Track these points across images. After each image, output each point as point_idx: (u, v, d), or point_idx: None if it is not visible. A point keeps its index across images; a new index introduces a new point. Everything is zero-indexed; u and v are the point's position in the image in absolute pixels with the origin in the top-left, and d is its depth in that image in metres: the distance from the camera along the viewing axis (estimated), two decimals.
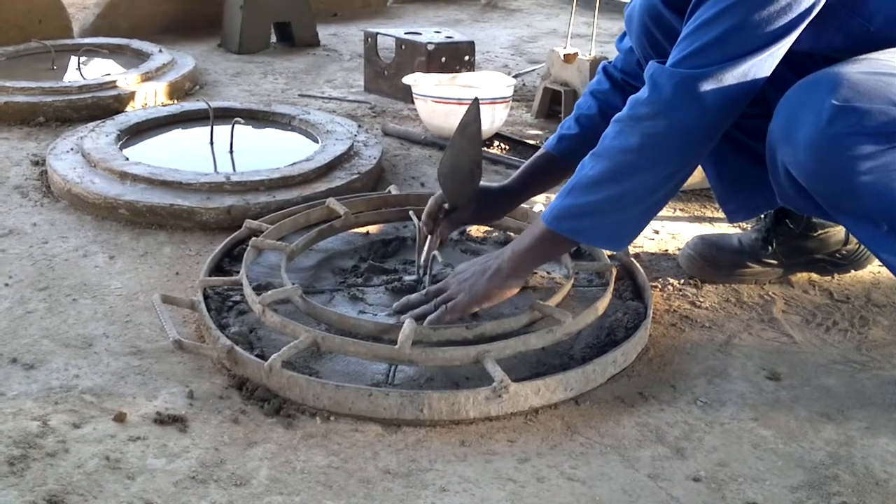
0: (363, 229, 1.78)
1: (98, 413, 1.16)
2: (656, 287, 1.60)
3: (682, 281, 1.63)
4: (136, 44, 3.01)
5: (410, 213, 1.72)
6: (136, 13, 3.41)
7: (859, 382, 1.33)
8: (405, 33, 2.82)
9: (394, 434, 1.16)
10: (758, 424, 1.22)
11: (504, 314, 1.46)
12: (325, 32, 3.65)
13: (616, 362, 1.33)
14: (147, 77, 2.66)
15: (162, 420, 1.14)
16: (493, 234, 1.79)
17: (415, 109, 2.47)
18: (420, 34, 2.81)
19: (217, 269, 1.56)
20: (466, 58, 2.77)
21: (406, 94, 2.65)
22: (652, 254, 1.74)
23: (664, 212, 1.94)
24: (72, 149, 2.06)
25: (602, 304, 1.42)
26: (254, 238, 1.59)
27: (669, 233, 1.84)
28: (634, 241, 1.77)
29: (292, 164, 1.98)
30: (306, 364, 1.29)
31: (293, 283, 1.42)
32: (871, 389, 1.31)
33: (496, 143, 2.38)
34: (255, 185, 1.88)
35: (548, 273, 1.64)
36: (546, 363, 1.34)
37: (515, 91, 2.86)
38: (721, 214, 1.93)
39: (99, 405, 1.18)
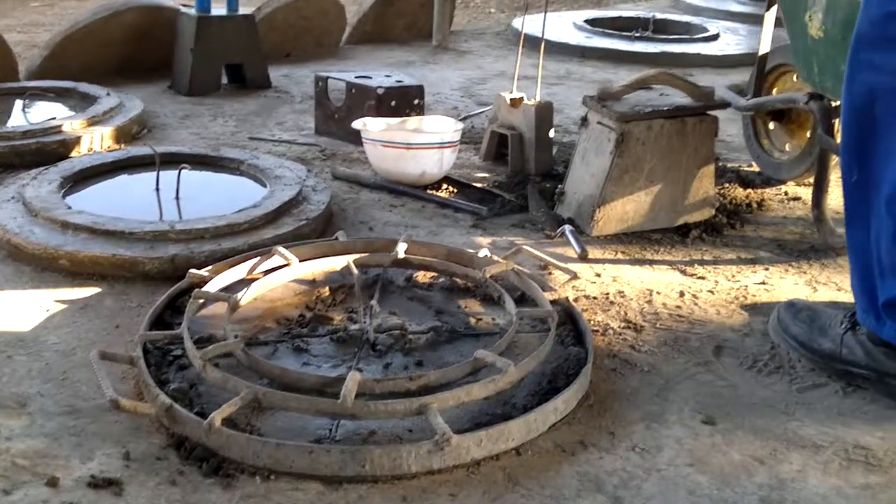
0: (310, 277, 1.78)
1: (30, 478, 1.14)
2: (597, 331, 1.63)
3: (622, 325, 1.66)
4: (83, 87, 2.98)
5: (350, 263, 1.73)
6: (84, 55, 3.39)
7: (791, 424, 1.36)
8: (355, 77, 2.84)
9: (335, 492, 1.16)
10: (694, 470, 1.24)
11: (448, 363, 1.48)
12: (276, 73, 3.66)
13: (557, 410, 1.35)
14: (93, 121, 2.64)
15: (96, 484, 1.13)
16: (440, 280, 1.81)
17: (365, 152, 2.49)
18: (370, 77, 2.84)
19: (159, 321, 1.55)
20: (416, 101, 2.80)
21: (356, 137, 2.66)
22: (594, 298, 1.77)
23: (605, 255, 1.98)
24: (13, 197, 2.04)
25: (543, 352, 1.44)
26: (197, 289, 1.58)
27: (611, 276, 1.88)
28: (576, 285, 1.81)
29: (239, 211, 1.98)
30: (247, 421, 1.28)
31: (236, 336, 1.42)
32: (802, 430, 1.35)
33: (444, 186, 2.41)
34: (201, 233, 1.87)
35: (492, 319, 1.66)
36: (489, 413, 1.35)
37: (464, 133, 2.89)
38: (661, 256, 1.98)
39: (32, 469, 1.16)
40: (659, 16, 4.79)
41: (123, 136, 2.67)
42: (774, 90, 2.46)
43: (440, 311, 1.68)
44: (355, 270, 1.68)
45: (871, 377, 1.45)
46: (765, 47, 2.37)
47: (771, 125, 2.50)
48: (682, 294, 1.80)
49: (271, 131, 2.93)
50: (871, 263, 1.41)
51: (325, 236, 2.01)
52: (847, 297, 1.72)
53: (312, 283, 1.78)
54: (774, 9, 2.30)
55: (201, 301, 1.57)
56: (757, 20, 2.37)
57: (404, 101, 2.77)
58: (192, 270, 1.67)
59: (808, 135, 2.36)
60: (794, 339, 1.56)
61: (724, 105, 2.15)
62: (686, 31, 4.53)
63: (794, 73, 2.36)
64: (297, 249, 1.80)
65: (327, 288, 1.75)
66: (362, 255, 1.81)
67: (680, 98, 2.14)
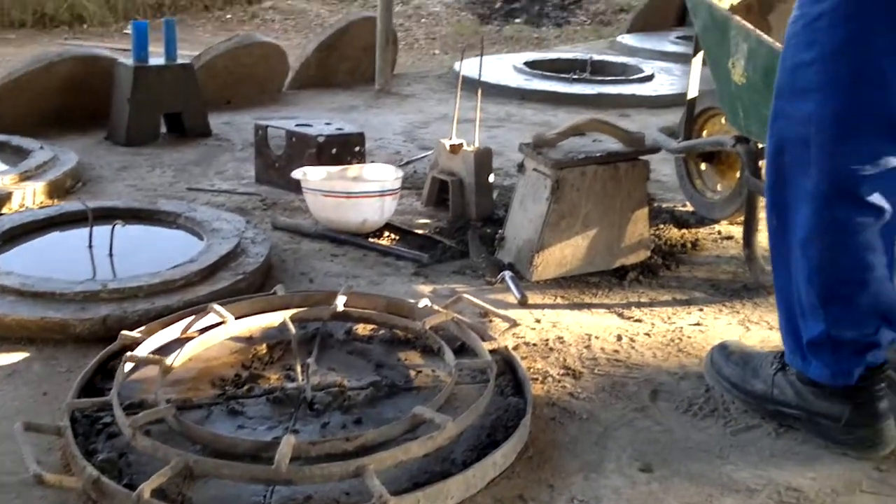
0: (246, 334, 1.76)
1: None
2: (537, 379, 1.63)
3: (561, 372, 1.67)
4: (16, 140, 2.93)
5: (286, 319, 1.71)
6: (19, 106, 3.33)
7: (726, 468, 1.38)
8: (296, 125, 2.85)
9: None
10: None
11: (388, 419, 1.47)
12: (217, 121, 3.65)
13: (496, 465, 1.34)
14: (25, 176, 2.59)
15: None
16: (380, 333, 1.80)
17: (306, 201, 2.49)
18: (311, 126, 2.84)
19: (88, 387, 1.51)
20: (357, 148, 2.81)
21: (297, 186, 2.65)
22: (533, 344, 1.78)
23: (545, 299, 2.00)
24: None
25: (482, 405, 1.44)
26: (128, 352, 1.55)
27: (550, 321, 1.89)
28: (516, 332, 1.82)
29: (174, 267, 1.95)
30: (179, 490, 1.25)
31: (168, 400, 1.39)
32: (736, 474, 1.37)
33: (386, 233, 2.41)
34: (134, 292, 1.84)
35: (433, 371, 1.65)
36: (427, 470, 1.34)
37: (407, 178, 2.90)
38: (599, 299, 2.00)
39: None
40: (596, 57, 4.91)
41: (57, 190, 2.62)
42: (704, 132, 2.53)
43: (380, 364, 1.67)
44: (291, 327, 1.67)
45: (802, 417, 1.48)
46: (693, 91, 2.44)
47: (703, 166, 2.57)
48: (619, 338, 1.82)
49: (211, 181, 2.91)
50: (794, 304, 1.45)
51: (264, 290, 1.99)
52: (778, 336, 1.76)
53: (249, 340, 1.75)
54: (701, 54, 2.37)
55: (133, 364, 1.54)
56: (690, 60, 2.43)
57: (345, 149, 2.77)
58: (124, 332, 1.63)
59: (738, 175, 2.42)
60: (727, 381, 1.58)
61: (655, 150, 2.20)
62: (622, 72, 4.64)
63: (723, 116, 2.43)
64: (234, 306, 1.78)
65: (265, 345, 1.73)
66: (301, 309, 1.79)
67: (612, 144, 2.18)
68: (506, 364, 1.64)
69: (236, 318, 1.74)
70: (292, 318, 1.74)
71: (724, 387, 1.59)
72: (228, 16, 9.28)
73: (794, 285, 1.43)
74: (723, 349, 1.64)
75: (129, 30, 4.26)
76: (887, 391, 1.44)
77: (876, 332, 1.41)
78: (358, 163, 2.76)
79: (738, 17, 2.06)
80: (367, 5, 9.58)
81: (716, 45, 2.18)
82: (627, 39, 5.64)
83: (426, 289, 2.05)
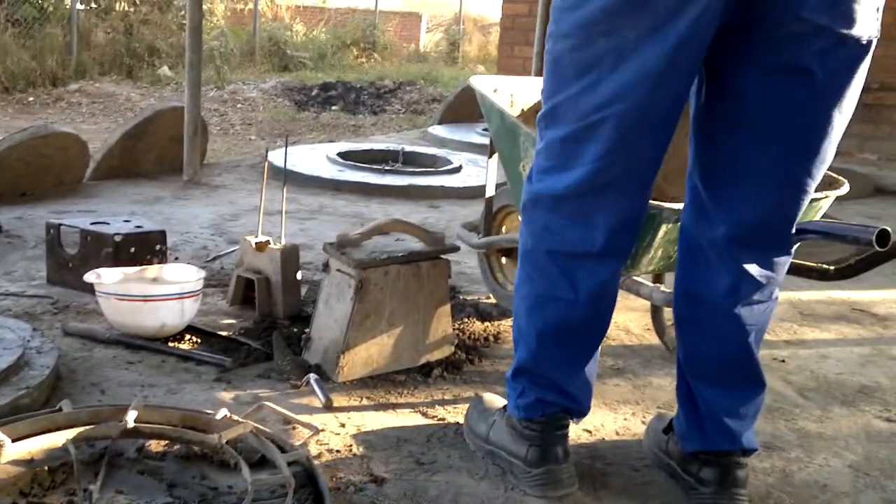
0: (27, 456, 1.62)
1: None
2: (339, 489, 1.62)
3: (364, 479, 1.66)
4: None
5: (67, 440, 1.60)
6: None
7: None
8: (91, 223, 2.72)
9: None
10: None
11: None
12: (9, 216, 3.42)
13: None
14: None
15: None
16: (175, 448, 1.72)
17: None
18: (108, 223, 2.73)
19: None
20: (158, 247, 2.72)
21: (93, 287, 2.52)
22: (337, 451, 1.77)
23: (350, 401, 2.00)
24: None
25: None
26: None
27: (356, 425, 1.89)
28: (319, 439, 1.80)
29: None
30: None
31: None
32: None
33: (188, 336, 2.33)
34: None
35: (229, 488, 1.60)
36: None
37: (213, 275, 2.84)
38: (405, 398, 2.02)
39: None
40: (408, 148, 5.08)
41: None
42: (503, 228, 2.67)
43: (173, 484, 1.60)
44: (72, 449, 1.56)
45: (502, 456, 1.73)
46: (490, 190, 2.58)
47: (503, 260, 2.70)
48: (428, 439, 1.84)
49: None
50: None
51: (50, 405, 1.86)
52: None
53: (30, 462, 1.62)
54: (496, 156, 2.52)
55: None
56: None
57: (145, 248, 2.68)
58: None
59: None
60: (466, 424, 1.86)
61: (454, 249, 2.29)
62: (433, 164, 4.83)
63: (519, 213, 2.58)
64: (14, 426, 1.64)
65: (46, 468, 1.60)
66: (88, 427, 1.68)
67: (414, 243, 2.25)
68: (307, 475, 1.61)
69: (15, 441, 1.60)
70: (79, 437, 1.63)
71: (464, 430, 1.83)
72: (31, 98, 8.81)
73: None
74: (477, 401, 1.87)
75: None
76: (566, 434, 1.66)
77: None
78: (158, 262, 2.67)
79: (525, 126, 2.22)
80: (180, 89, 9.42)
81: (508, 149, 2.33)
82: (438, 130, 5.90)
83: (228, 395, 2.00)
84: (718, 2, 1.33)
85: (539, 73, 6.34)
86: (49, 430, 1.67)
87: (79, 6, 10.48)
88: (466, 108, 6.53)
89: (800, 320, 2.82)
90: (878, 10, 1.38)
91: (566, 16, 1.45)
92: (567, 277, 1.55)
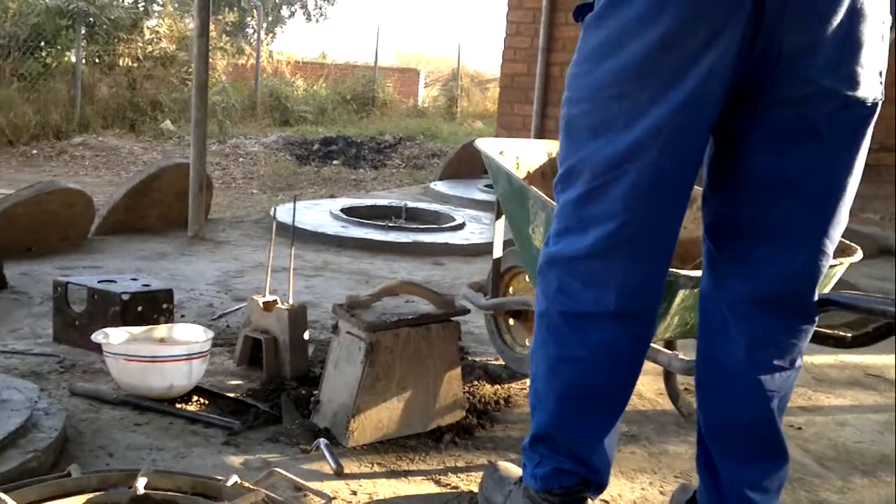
0: None
1: None
2: None
3: None
4: None
5: None
6: None
7: None
8: (98, 281, 2.72)
9: None
10: None
11: None
12: (15, 271, 3.42)
13: None
14: None
15: None
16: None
17: None
18: (115, 282, 2.73)
19: None
20: (165, 305, 2.72)
21: (99, 346, 2.51)
22: None
23: (361, 468, 1.97)
24: None
25: None
26: None
27: (367, 492, 1.86)
28: None
29: None
30: None
31: None
32: None
33: (195, 397, 2.31)
34: None
35: None
36: None
37: (219, 334, 2.83)
38: (416, 465, 1.99)
39: None
40: (411, 204, 5.11)
41: None
42: (511, 289, 2.68)
43: None
44: None
45: None
46: (497, 252, 2.59)
47: (511, 321, 2.70)
48: None
49: (3, 340, 2.69)
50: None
51: (58, 467, 1.83)
52: None
53: None
54: (503, 218, 2.54)
55: None
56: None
57: (152, 307, 2.67)
58: None
59: None
60: (481, 494, 1.78)
61: (464, 311, 2.29)
62: (435, 220, 4.85)
63: (527, 273, 2.59)
64: (23, 492, 1.61)
65: None
66: (97, 493, 1.66)
67: (424, 305, 2.25)
68: None
69: None
70: None
71: (479, 499, 1.77)
72: (34, 151, 8.88)
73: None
74: (492, 469, 1.81)
75: None
76: None
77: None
78: (166, 321, 2.66)
79: (534, 189, 2.24)
80: (182, 143, 9.52)
81: (516, 211, 2.35)
82: (440, 186, 5.94)
83: (237, 459, 1.97)
84: (723, 66, 1.37)
85: (539, 132, 6.44)
86: (58, 496, 1.65)
87: (83, 61, 10.64)
88: (467, 164, 6.59)
89: (814, 385, 2.79)
90: (880, 73, 1.42)
91: (579, 81, 1.49)
92: (580, 338, 1.54)
